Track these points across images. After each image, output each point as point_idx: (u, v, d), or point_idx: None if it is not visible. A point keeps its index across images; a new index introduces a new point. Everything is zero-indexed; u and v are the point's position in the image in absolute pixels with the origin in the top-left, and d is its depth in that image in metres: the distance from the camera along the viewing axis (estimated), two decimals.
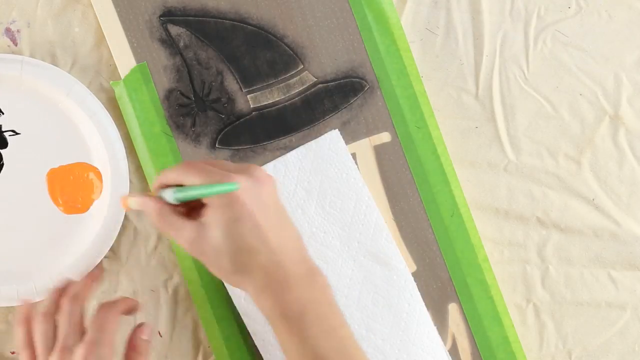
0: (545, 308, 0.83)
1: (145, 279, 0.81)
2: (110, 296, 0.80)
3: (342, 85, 0.82)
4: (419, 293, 0.81)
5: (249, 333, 0.80)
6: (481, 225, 0.83)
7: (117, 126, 0.80)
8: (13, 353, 0.80)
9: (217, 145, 0.81)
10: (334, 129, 0.82)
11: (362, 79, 0.82)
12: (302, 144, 0.82)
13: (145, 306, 0.80)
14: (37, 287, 0.78)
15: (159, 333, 0.81)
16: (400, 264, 0.81)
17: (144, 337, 0.73)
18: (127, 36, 0.80)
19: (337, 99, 0.82)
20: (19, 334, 0.72)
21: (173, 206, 0.67)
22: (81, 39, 0.81)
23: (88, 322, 0.71)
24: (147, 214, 0.69)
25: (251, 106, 0.82)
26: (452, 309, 0.82)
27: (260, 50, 0.81)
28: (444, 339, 0.82)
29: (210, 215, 0.66)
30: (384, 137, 0.82)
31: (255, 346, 0.80)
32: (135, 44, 0.80)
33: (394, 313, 0.81)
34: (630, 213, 0.84)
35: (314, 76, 0.82)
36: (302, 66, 0.82)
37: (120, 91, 0.80)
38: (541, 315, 0.83)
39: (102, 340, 0.70)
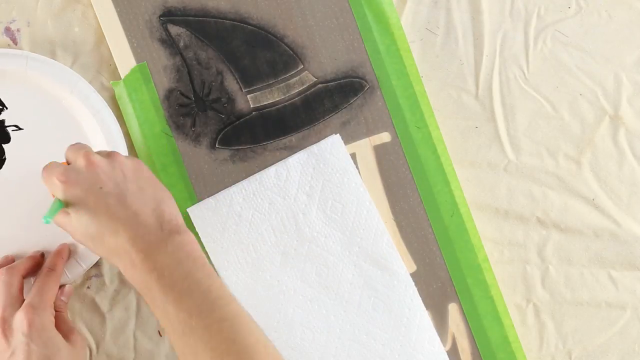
0: (545, 308, 0.83)
1: None
2: (112, 297, 0.80)
3: (342, 85, 0.82)
4: (419, 298, 0.81)
5: None
6: (481, 225, 0.83)
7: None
8: None
9: (217, 145, 0.81)
10: (335, 133, 0.82)
11: (362, 79, 0.82)
12: (302, 144, 0.82)
13: (146, 306, 0.80)
14: None
15: (159, 333, 0.81)
16: (401, 269, 0.81)
17: (63, 298, 0.78)
18: (127, 36, 0.80)
19: (337, 99, 0.82)
20: None
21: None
22: (81, 38, 0.81)
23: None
24: None
25: (251, 106, 0.82)
26: (452, 309, 0.82)
27: (260, 50, 0.81)
28: (444, 340, 0.82)
29: (70, 209, 0.69)
30: (384, 137, 0.82)
31: None
32: (135, 44, 0.80)
33: (394, 318, 0.81)
34: (630, 213, 0.84)
35: (314, 76, 0.82)
36: (302, 66, 0.82)
37: (120, 91, 0.80)
38: (541, 315, 0.83)
39: (41, 304, 0.73)
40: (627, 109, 0.84)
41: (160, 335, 0.81)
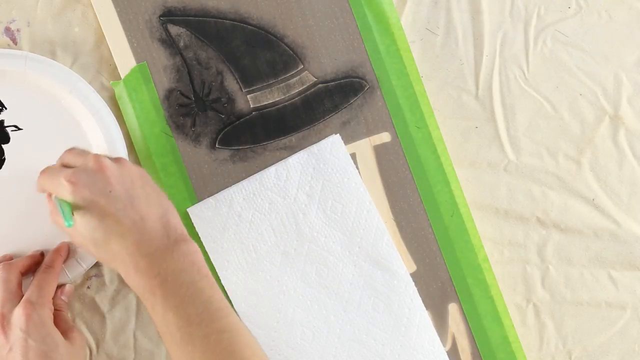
0: (545, 308, 0.83)
1: None
2: (112, 297, 0.80)
3: (342, 85, 0.82)
4: (419, 298, 0.81)
5: None
6: (481, 225, 0.83)
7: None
8: None
9: (217, 145, 0.81)
10: (335, 133, 0.82)
11: (362, 79, 0.82)
12: (302, 144, 0.82)
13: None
14: None
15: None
16: (401, 269, 0.81)
17: (63, 297, 0.78)
18: (127, 36, 0.80)
19: (337, 99, 0.82)
20: None
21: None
22: (81, 38, 0.81)
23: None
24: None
25: (251, 106, 0.82)
26: (452, 309, 0.82)
27: (260, 50, 0.81)
28: (444, 339, 0.82)
29: (76, 213, 0.69)
30: (384, 137, 0.82)
31: None
32: (135, 44, 0.80)
33: (394, 318, 0.81)
34: (630, 213, 0.84)
35: (314, 76, 0.82)
36: (302, 66, 0.82)
37: (120, 91, 0.80)
38: (541, 315, 0.83)
39: (40, 299, 0.73)
40: (627, 109, 0.84)
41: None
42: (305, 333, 0.80)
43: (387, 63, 0.82)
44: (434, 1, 0.83)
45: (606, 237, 0.84)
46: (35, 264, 0.77)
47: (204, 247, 0.80)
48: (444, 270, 0.82)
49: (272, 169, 0.81)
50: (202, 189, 0.81)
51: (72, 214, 0.68)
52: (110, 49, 0.80)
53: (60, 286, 0.78)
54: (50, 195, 0.71)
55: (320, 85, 0.82)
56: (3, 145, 0.79)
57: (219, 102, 0.81)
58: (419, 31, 0.83)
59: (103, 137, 0.79)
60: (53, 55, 0.80)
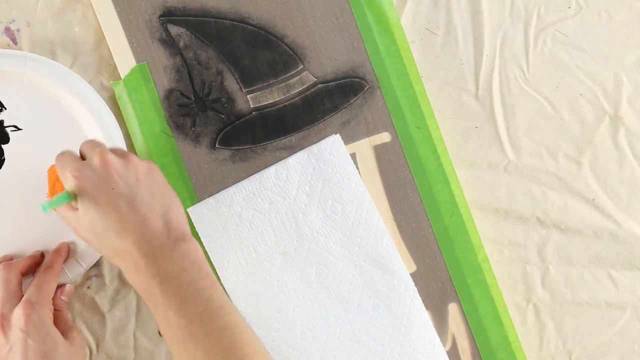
0: (545, 308, 0.83)
1: None
2: (112, 297, 0.80)
3: (342, 85, 0.82)
4: (419, 298, 0.81)
5: None
6: (481, 225, 0.83)
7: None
8: None
9: (217, 145, 0.81)
10: (335, 133, 0.82)
11: (362, 79, 0.82)
12: (302, 144, 0.82)
13: (146, 306, 0.80)
14: None
15: (159, 333, 0.81)
16: (401, 269, 0.81)
17: (63, 297, 0.78)
18: (127, 36, 0.80)
19: (337, 99, 0.82)
20: None
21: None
22: (81, 38, 0.81)
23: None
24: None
25: (251, 106, 0.82)
26: (452, 309, 0.82)
27: (260, 50, 0.81)
28: (444, 340, 0.82)
29: (78, 204, 0.69)
30: (384, 137, 0.82)
31: None
32: (135, 44, 0.80)
33: (394, 318, 0.81)
34: (630, 213, 0.84)
35: (314, 76, 0.82)
36: (302, 66, 0.82)
37: (120, 91, 0.80)
38: (541, 315, 0.83)
39: (40, 299, 0.73)
40: (627, 109, 0.84)
41: (160, 335, 0.81)
42: (305, 333, 0.80)
43: (387, 63, 0.82)
44: (434, 1, 0.83)
45: (606, 237, 0.84)
46: (35, 264, 0.77)
47: (204, 247, 0.80)
48: (444, 270, 0.82)
49: (272, 169, 0.81)
50: (202, 189, 0.81)
51: (76, 206, 0.69)
52: (110, 49, 0.80)
53: (60, 286, 0.78)
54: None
55: (320, 85, 0.82)
56: (3, 146, 0.79)
57: (219, 102, 0.81)
58: (419, 31, 0.83)
59: (103, 137, 0.79)
60: (53, 55, 0.80)
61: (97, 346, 0.80)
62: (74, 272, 0.79)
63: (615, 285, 0.84)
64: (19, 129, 0.79)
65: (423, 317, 0.81)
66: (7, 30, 0.80)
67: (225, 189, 0.81)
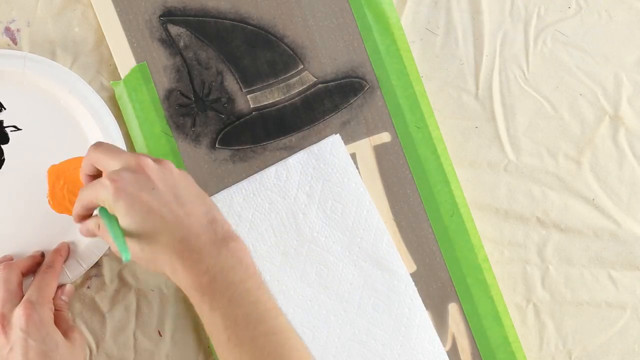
0: (545, 308, 0.83)
1: (145, 278, 0.81)
2: (112, 297, 0.80)
3: (342, 85, 0.82)
4: (419, 298, 0.81)
5: None
6: (481, 225, 0.83)
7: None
8: None
9: (217, 145, 0.81)
10: (335, 133, 0.82)
11: (362, 79, 0.82)
12: (302, 144, 0.82)
13: (146, 306, 0.80)
14: None
15: (159, 332, 0.81)
16: (401, 269, 0.81)
17: (63, 297, 0.78)
18: (127, 36, 0.80)
19: (337, 99, 0.82)
20: None
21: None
22: (81, 38, 0.81)
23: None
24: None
25: (251, 106, 0.82)
26: (452, 309, 0.82)
27: (260, 50, 0.81)
28: (444, 339, 0.82)
29: (119, 213, 0.67)
30: (384, 137, 0.82)
31: None
32: (135, 44, 0.80)
33: (394, 318, 0.81)
34: (630, 213, 0.84)
35: (314, 76, 0.82)
36: (302, 66, 0.82)
37: (120, 91, 0.80)
38: (541, 315, 0.83)
39: (40, 299, 0.73)
40: (627, 109, 0.84)
41: (160, 335, 0.81)
42: (305, 333, 0.80)
43: (387, 63, 0.82)
44: (434, 1, 0.83)
45: (606, 237, 0.84)
46: (35, 264, 0.77)
47: None
48: (444, 270, 0.82)
49: (272, 169, 0.81)
50: (202, 189, 0.80)
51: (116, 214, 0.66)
52: (110, 49, 0.80)
53: (60, 286, 0.78)
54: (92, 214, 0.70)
55: (320, 85, 0.82)
56: (3, 146, 0.79)
57: (219, 102, 0.81)
58: (419, 31, 0.83)
59: (103, 137, 0.79)
60: (53, 55, 0.80)
61: (97, 346, 0.80)
62: (74, 272, 0.79)
63: (615, 285, 0.84)
64: (18, 129, 0.79)
65: (423, 317, 0.81)
66: (7, 30, 0.80)
67: (225, 189, 0.81)
